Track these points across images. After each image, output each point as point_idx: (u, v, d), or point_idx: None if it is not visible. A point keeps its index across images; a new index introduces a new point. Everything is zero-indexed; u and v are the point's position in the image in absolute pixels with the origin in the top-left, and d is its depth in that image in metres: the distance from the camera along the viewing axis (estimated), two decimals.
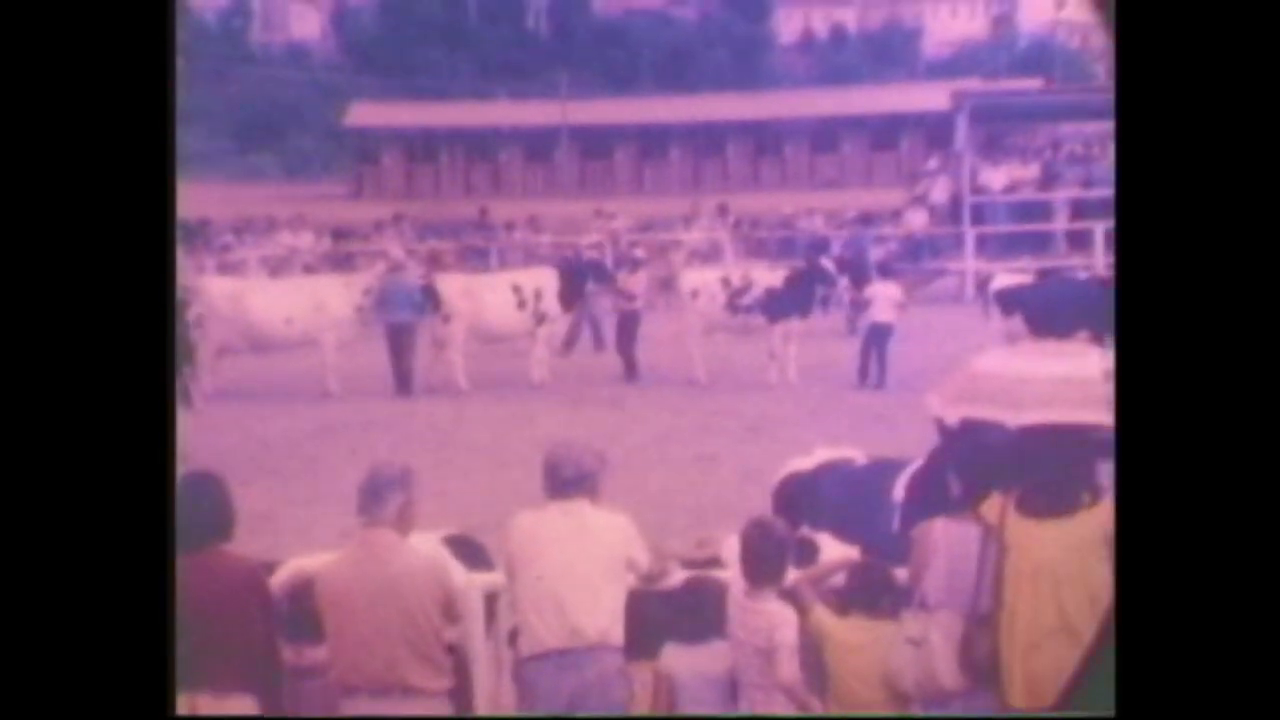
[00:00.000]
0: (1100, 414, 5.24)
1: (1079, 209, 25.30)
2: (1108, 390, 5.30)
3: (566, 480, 5.44)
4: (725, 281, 17.94)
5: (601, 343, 19.87)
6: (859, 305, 17.97)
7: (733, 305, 17.54)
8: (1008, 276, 17.85)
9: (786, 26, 73.14)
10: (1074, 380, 5.31)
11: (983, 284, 19.34)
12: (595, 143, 46.47)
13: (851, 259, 20.46)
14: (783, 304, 17.35)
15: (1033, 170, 27.88)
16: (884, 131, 45.95)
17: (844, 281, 18.02)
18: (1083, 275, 19.23)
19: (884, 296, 17.05)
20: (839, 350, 17.71)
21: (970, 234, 25.06)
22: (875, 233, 27.15)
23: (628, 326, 18.22)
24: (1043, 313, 15.59)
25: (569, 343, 19.62)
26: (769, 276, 17.96)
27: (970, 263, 24.42)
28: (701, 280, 18.32)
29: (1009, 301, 16.38)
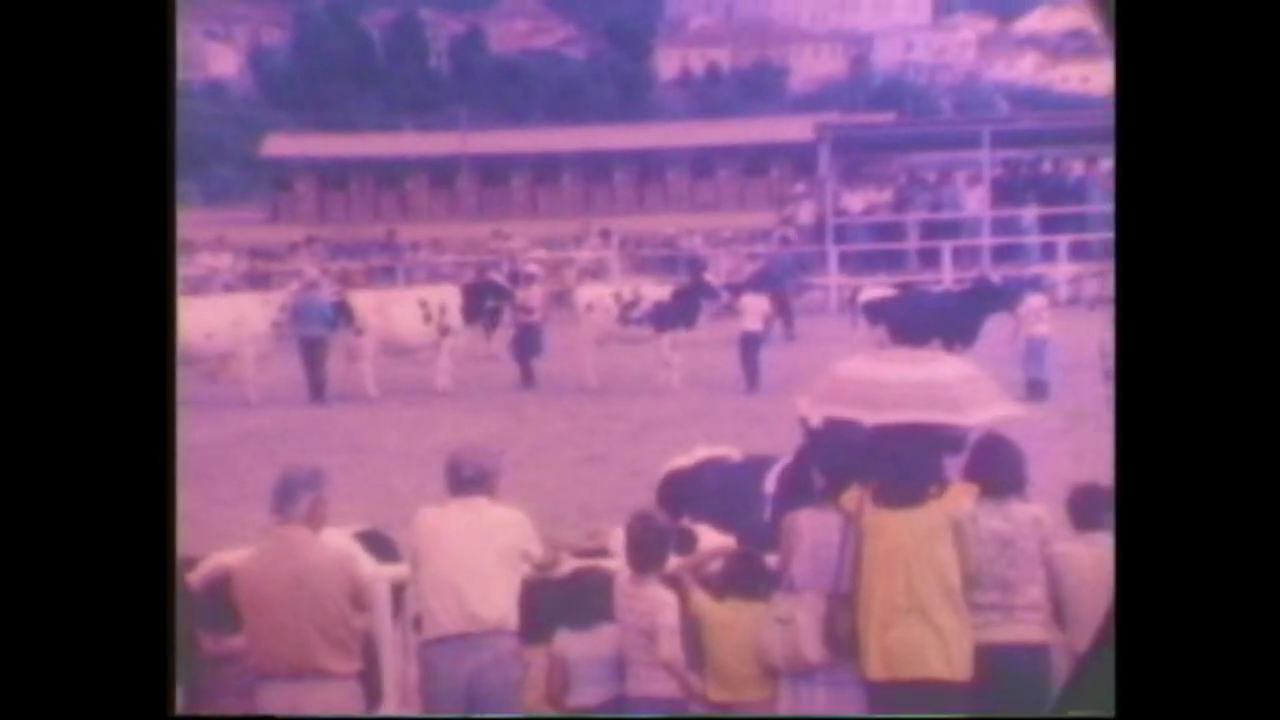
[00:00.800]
0: (948, 414, 5.30)
1: (928, 229, 25.67)
2: (955, 393, 5.36)
3: (467, 479, 5.42)
4: (617, 296, 18.07)
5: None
6: (732, 315, 18.13)
7: (624, 318, 17.64)
8: (874, 290, 18.03)
9: (667, 65, 73.56)
10: (925, 384, 5.37)
11: (852, 297, 19.51)
12: (493, 170, 46.27)
13: (732, 274, 20.69)
14: (670, 316, 17.44)
15: (887, 195, 28.25)
16: (755, 160, 46.20)
17: (725, 295, 18.20)
18: (936, 289, 19.51)
19: (753, 308, 17.16)
20: (724, 357, 17.79)
21: (833, 252, 25.32)
22: (748, 250, 27.35)
23: (525, 338, 18.19)
24: (903, 323, 15.81)
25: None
26: (657, 291, 18.07)
27: (834, 277, 24.66)
28: (595, 295, 18.42)
29: (874, 313, 16.55)
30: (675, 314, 17.48)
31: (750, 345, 16.79)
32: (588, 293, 18.73)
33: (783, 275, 22.17)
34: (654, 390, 16.79)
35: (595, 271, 26.53)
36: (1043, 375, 14.72)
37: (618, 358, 17.83)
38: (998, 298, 16.09)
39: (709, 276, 19.01)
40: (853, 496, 5.13)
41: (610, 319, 17.69)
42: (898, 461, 5.15)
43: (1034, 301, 15.30)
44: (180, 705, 4.91)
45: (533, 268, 21.18)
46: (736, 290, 18.65)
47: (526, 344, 18.08)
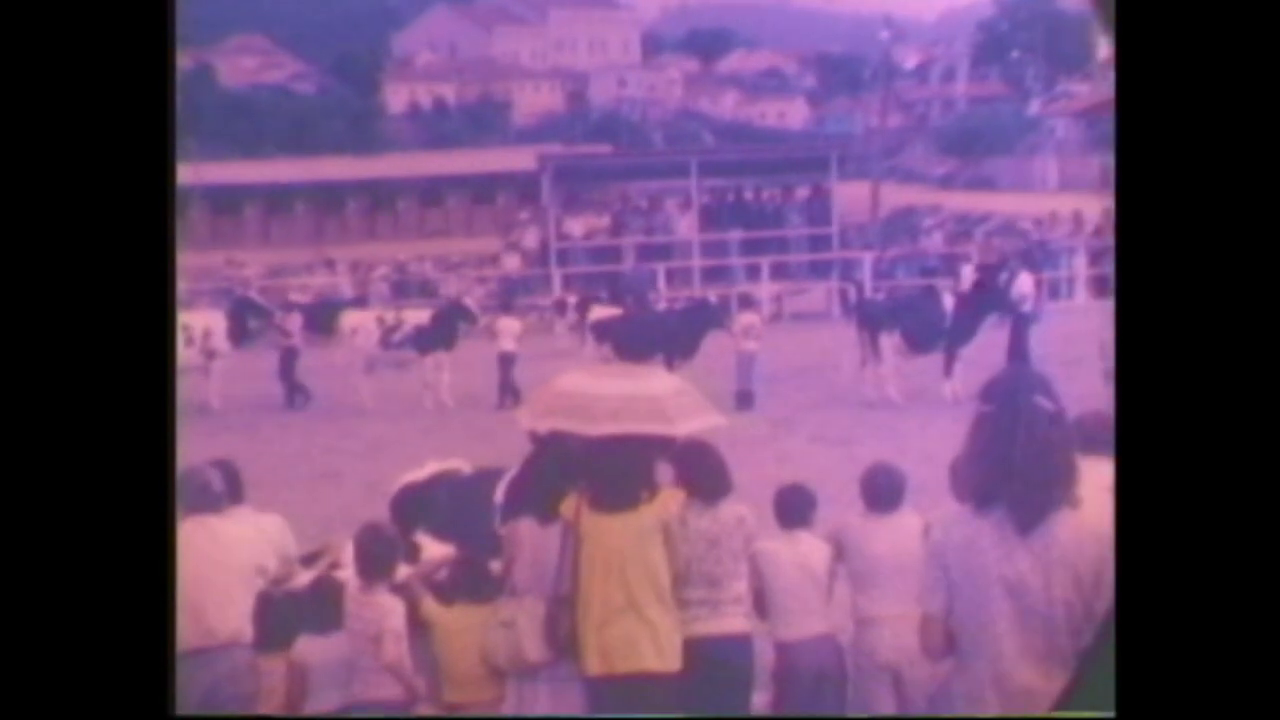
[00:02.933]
0: (658, 425, 5.38)
1: (643, 252, 26.08)
2: (665, 405, 5.45)
3: (208, 497, 5.25)
4: (380, 320, 18.03)
5: None
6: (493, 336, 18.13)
7: (386, 341, 17.52)
8: (601, 310, 18.18)
9: (395, 99, 72.80)
10: (639, 397, 5.45)
11: (580, 316, 19.61)
12: (225, 201, 44.87)
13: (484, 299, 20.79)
14: (431, 339, 17.34)
15: (605, 220, 28.60)
16: (482, 188, 46.15)
17: (485, 319, 18.21)
18: (661, 307, 19.81)
19: (507, 330, 17.15)
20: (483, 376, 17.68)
21: (557, 274, 25.46)
22: (478, 273, 27.30)
23: (286, 360, 17.79)
24: (628, 340, 16.00)
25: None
26: (417, 315, 17.96)
27: (558, 298, 24.78)
28: (359, 320, 18.36)
29: (601, 332, 16.67)
30: (436, 337, 17.41)
31: (507, 364, 16.74)
32: (352, 318, 18.64)
33: (511, 296, 22.21)
34: (422, 410, 16.52)
35: (353, 300, 26.04)
36: (749, 386, 15.10)
37: (384, 380, 17.57)
38: (714, 316, 16.42)
39: (467, 300, 19.01)
40: (571, 504, 5.16)
41: (373, 343, 17.60)
42: (612, 469, 5.21)
43: (746, 319, 15.66)
44: None
45: (296, 296, 20.77)
46: (493, 312, 18.72)
47: (289, 366, 17.72)
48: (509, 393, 16.39)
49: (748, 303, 17.17)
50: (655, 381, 5.81)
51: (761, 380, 15.43)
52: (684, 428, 5.41)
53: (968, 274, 18.70)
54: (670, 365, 15.23)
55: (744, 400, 14.90)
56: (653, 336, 16.16)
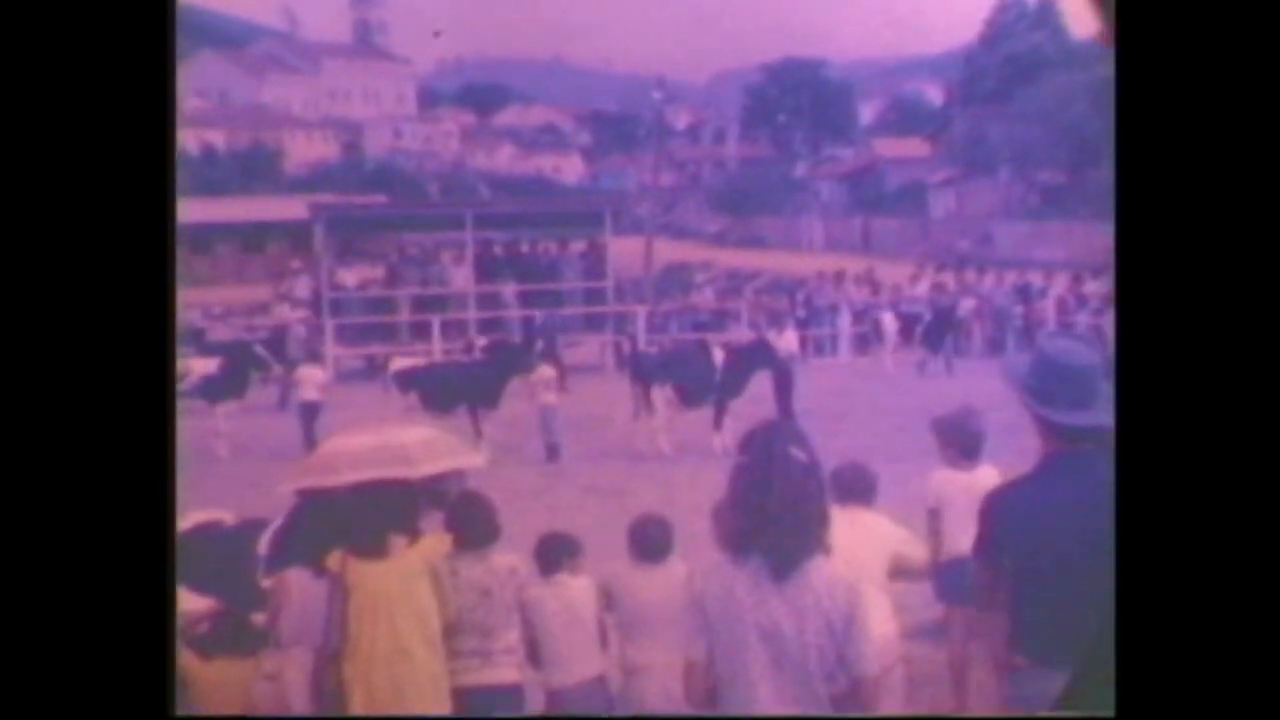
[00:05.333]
0: (401, 469, 5.44)
1: (419, 303, 25.89)
2: (409, 451, 5.50)
3: None
4: None
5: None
6: (289, 386, 17.62)
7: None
8: (405, 360, 17.88)
9: None
10: (383, 446, 5.51)
11: (383, 367, 19.26)
12: None
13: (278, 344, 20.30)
14: (220, 388, 16.85)
15: (380, 271, 28.32)
16: (253, 236, 45.14)
17: (279, 368, 17.75)
18: (465, 359, 19.59)
19: (311, 379, 16.73)
20: (276, 424, 17.13)
21: (330, 325, 25.07)
22: (247, 323, 26.67)
23: None
24: (432, 390, 15.78)
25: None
26: (204, 365, 17.38)
27: (330, 349, 24.38)
28: None
29: (406, 381, 16.36)
30: (225, 385, 16.93)
31: (308, 414, 16.29)
32: None
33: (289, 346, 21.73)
34: (215, 459, 15.84)
35: None
36: (556, 439, 15.03)
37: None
38: (517, 365, 16.18)
39: (258, 349, 18.48)
40: (336, 557, 5.12)
41: None
42: (370, 517, 5.20)
43: (544, 371, 15.57)
44: None
45: None
46: (286, 360, 18.27)
47: None
48: (311, 443, 16.03)
49: (544, 356, 17.12)
50: (406, 431, 5.89)
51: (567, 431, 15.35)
52: (428, 469, 5.47)
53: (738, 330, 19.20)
54: (475, 415, 15.16)
55: (553, 452, 14.90)
56: (457, 386, 15.99)
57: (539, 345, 17.89)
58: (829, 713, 3.62)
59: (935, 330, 22.33)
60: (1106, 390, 4.02)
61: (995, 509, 4.09)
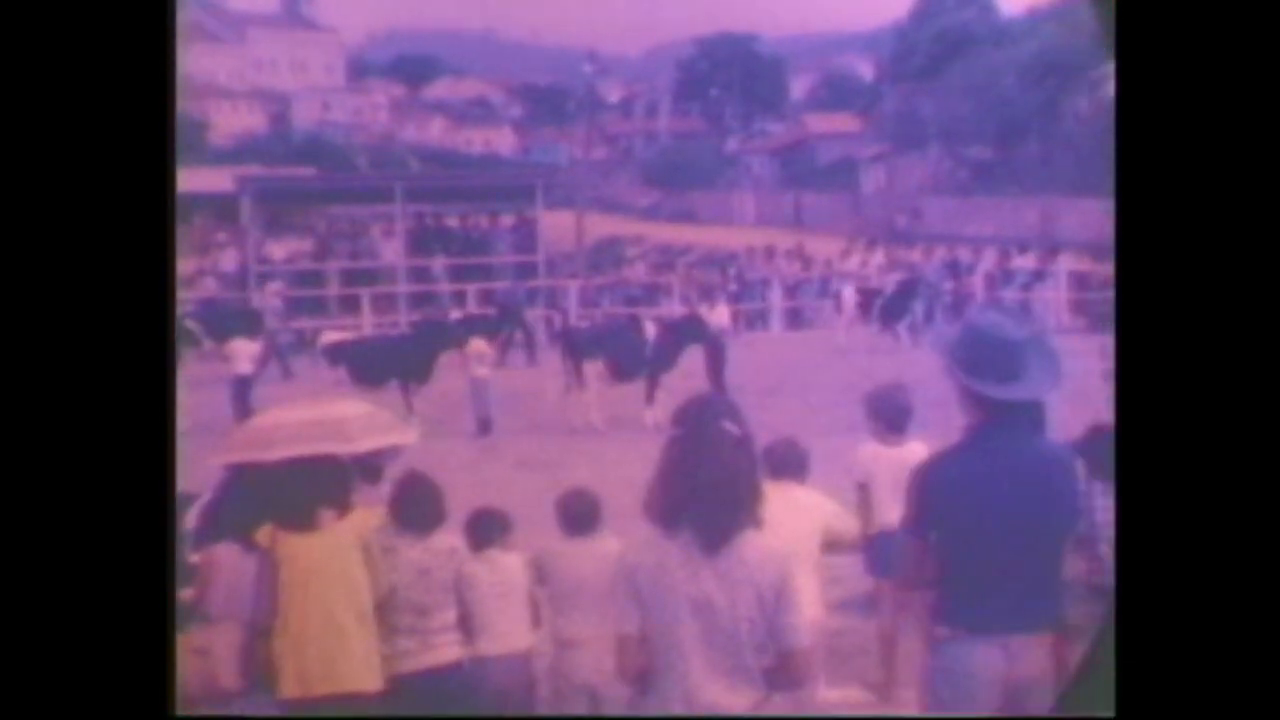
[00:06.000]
0: (338, 444, 5.41)
1: (348, 277, 25.69)
2: (347, 426, 5.47)
3: None
4: None
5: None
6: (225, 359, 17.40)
7: None
8: (334, 334, 17.69)
9: None
10: (319, 421, 5.48)
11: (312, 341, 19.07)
12: None
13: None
14: None
15: (308, 244, 28.05)
16: (178, 209, 44.40)
17: (208, 342, 17.45)
18: (394, 333, 19.42)
19: (243, 352, 16.48)
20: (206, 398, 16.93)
21: (256, 298, 24.75)
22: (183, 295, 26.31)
23: None
24: (362, 364, 15.63)
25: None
26: None
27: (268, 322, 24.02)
28: None
29: (335, 355, 16.18)
30: None
31: (240, 388, 16.06)
32: None
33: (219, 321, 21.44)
34: None
35: None
36: (488, 413, 14.98)
37: None
38: (448, 339, 16.07)
39: (188, 323, 18.14)
40: (265, 531, 5.09)
41: None
42: (300, 491, 5.17)
43: (476, 345, 15.49)
44: None
45: None
46: (221, 335, 17.94)
47: None
48: (243, 417, 15.81)
49: (476, 329, 17.00)
50: (341, 405, 5.85)
51: (498, 404, 15.29)
52: (365, 445, 5.45)
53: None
54: (406, 390, 15.05)
55: (484, 426, 14.84)
56: (386, 360, 15.84)
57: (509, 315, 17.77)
58: (759, 685, 3.64)
59: (895, 304, 22.31)
60: (1034, 365, 4.07)
61: (922, 483, 4.14)
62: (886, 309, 22.23)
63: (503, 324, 18.75)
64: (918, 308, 22.31)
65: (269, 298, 23.74)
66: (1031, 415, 5.14)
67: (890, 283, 23.41)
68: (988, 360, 4.06)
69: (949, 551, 4.05)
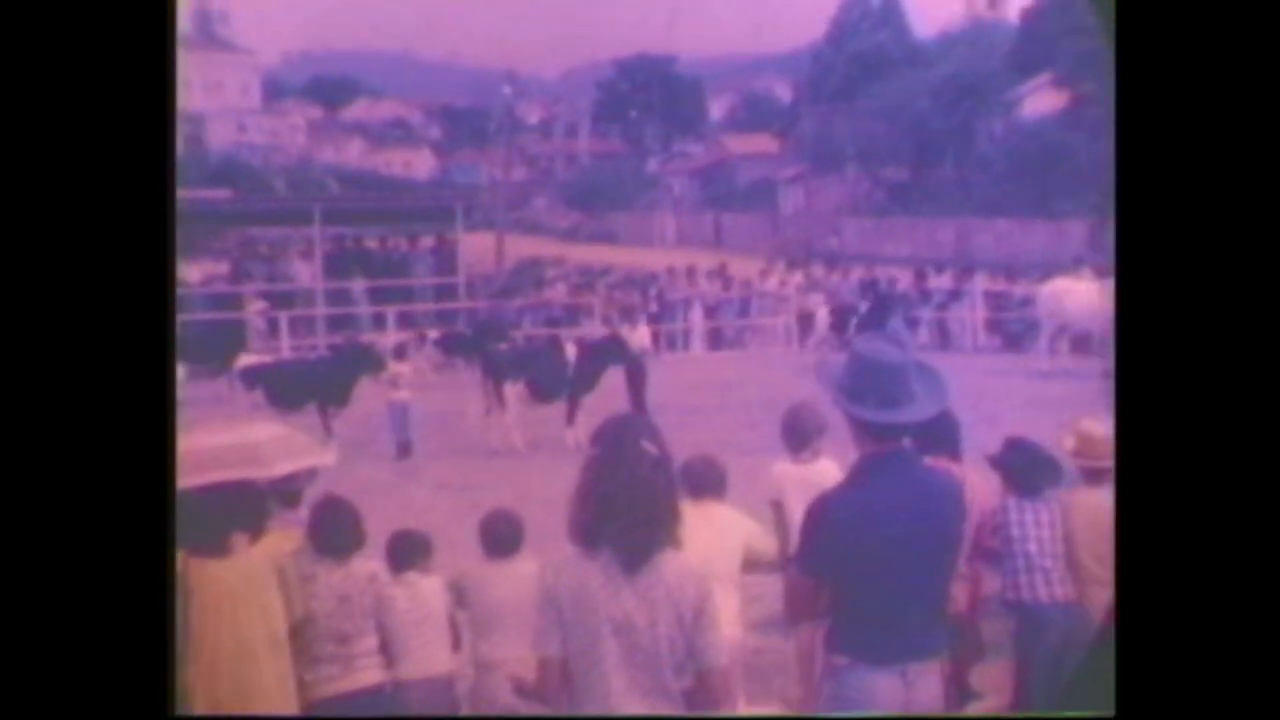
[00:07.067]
0: (253, 469, 5.38)
1: (265, 300, 25.39)
2: (261, 451, 5.42)
3: None
4: None
5: None
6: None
7: None
8: (251, 357, 17.46)
9: None
10: (233, 446, 5.43)
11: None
12: None
13: None
14: None
15: (224, 267, 27.74)
16: None
17: None
18: (312, 356, 19.18)
19: None
20: None
21: (176, 321, 24.35)
22: None
23: None
24: (280, 387, 15.44)
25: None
26: None
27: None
28: None
29: (251, 379, 15.96)
30: None
31: None
32: None
33: None
34: None
35: None
36: (406, 435, 14.86)
37: None
38: (367, 362, 15.89)
39: None
40: (181, 559, 5.00)
41: None
42: (218, 517, 5.10)
43: (396, 368, 15.34)
44: None
45: None
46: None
47: None
48: None
49: (397, 353, 16.86)
50: (256, 430, 5.79)
51: (419, 428, 15.17)
52: (281, 469, 5.40)
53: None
54: (324, 413, 14.89)
55: (404, 449, 14.73)
56: (304, 383, 15.65)
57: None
58: (679, 705, 3.65)
59: (871, 321, 22.23)
60: (918, 388, 4.09)
61: (813, 520, 4.14)
62: (863, 328, 22.23)
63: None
64: (895, 324, 22.36)
65: (251, 317, 23.50)
66: (944, 433, 5.20)
67: (864, 302, 23.47)
68: (869, 386, 4.05)
69: (842, 585, 4.07)
